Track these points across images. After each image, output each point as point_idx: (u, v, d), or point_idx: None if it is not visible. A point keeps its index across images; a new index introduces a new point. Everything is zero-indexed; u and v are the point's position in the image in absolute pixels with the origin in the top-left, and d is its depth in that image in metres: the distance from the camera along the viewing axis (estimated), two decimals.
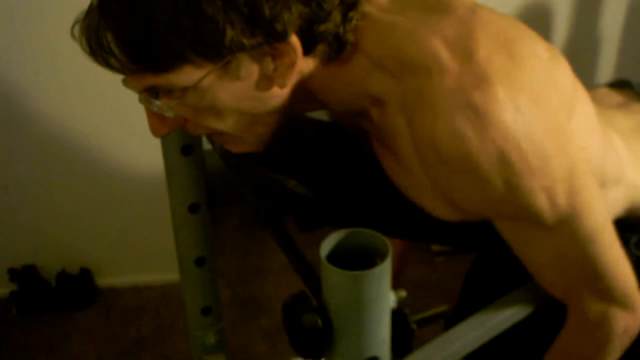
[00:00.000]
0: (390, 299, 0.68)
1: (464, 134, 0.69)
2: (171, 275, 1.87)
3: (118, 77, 0.78)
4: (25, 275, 1.93)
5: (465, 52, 0.72)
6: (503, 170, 0.70)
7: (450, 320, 1.21)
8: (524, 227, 0.76)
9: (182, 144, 1.04)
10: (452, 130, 0.70)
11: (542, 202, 0.73)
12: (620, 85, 1.08)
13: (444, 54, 0.72)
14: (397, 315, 0.71)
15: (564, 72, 0.79)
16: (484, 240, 0.88)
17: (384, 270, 0.65)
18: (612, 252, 0.78)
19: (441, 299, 1.87)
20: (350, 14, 0.75)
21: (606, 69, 2.03)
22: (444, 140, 0.70)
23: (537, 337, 0.91)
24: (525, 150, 0.70)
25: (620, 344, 0.83)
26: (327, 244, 0.68)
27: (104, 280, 2.00)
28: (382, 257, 0.66)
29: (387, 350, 0.71)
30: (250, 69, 0.74)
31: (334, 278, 0.66)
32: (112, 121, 1.76)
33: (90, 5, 0.74)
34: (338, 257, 0.67)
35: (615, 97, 1.05)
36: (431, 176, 0.75)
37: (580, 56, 1.97)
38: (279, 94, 0.78)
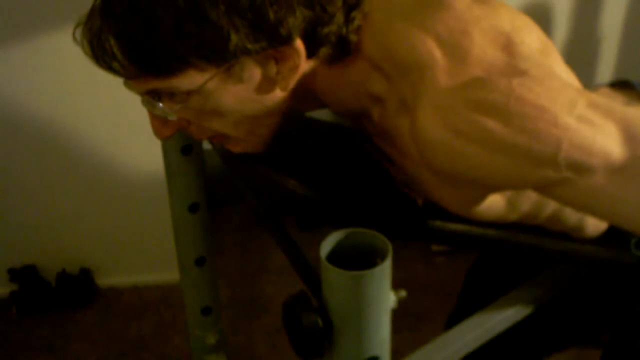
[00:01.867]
0: (390, 299, 0.68)
1: (462, 132, 0.69)
2: (171, 275, 1.87)
3: (118, 78, 0.78)
4: (25, 275, 1.93)
5: (459, 49, 0.71)
6: (520, 131, 0.67)
7: (450, 320, 1.21)
8: (596, 177, 0.70)
9: (182, 144, 1.04)
10: (449, 129, 0.69)
11: (584, 131, 0.68)
12: (621, 85, 1.08)
13: (437, 52, 0.72)
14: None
15: (558, 60, 0.79)
16: (484, 240, 0.88)
17: (384, 270, 0.65)
18: None
19: (441, 299, 1.87)
20: (353, 14, 0.75)
21: (606, 69, 2.02)
22: (442, 139, 0.70)
23: (538, 337, 0.91)
24: (531, 97, 0.67)
25: None
26: (327, 244, 0.68)
27: (104, 280, 1.99)
28: (382, 257, 0.66)
29: (387, 350, 0.71)
30: (253, 72, 0.74)
31: (334, 278, 0.66)
32: (112, 121, 1.75)
33: (92, 8, 0.73)
34: (338, 257, 0.67)
35: (616, 97, 1.04)
36: (436, 170, 0.74)
37: (580, 56, 1.97)
38: (281, 96, 0.78)
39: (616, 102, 0.82)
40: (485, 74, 0.69)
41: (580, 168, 0.68)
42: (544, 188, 0.72)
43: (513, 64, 0.70)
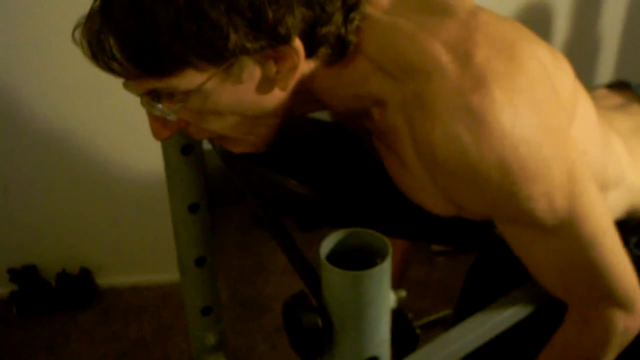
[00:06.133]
0: (390, 299, 0.68)
1: (462, 139, 0.69)
2: (171, 275, 1.87)
3: (118, 78, 0.78)
4: (25, 275, 1.93)
5: (465, 56, 0.71)
6: (501, 175, 0.70)
7: (450, 320, 1.21)
8: (525, 229, 0.76)
9: (182, 144, 1.04)
10: (450, 134, 0.70)
11: (541, 207, 0.73)
12: (619, 86, 1.08)
13: (444, 57, 0.72)
14: (400, 318, 0.72)
15: (564, 75, 0.79)
16: (484, 240, 0.88)
17: (384, 270, 0.65)
18: (614, 255, 0.78)
19: (441, 299, 1.87)
20: (352, 15, 0.75)
21: (606, 69, 2.03)
22: (442, 143, 0.70)
23: (537, 337, 0.91)
24: (524, 156, 0.70)
25: (619, 343, 0.83)
26: (327, 244, 0.68)
27: (104, 280, 2.00)
28: (382, 257, 0.66)
29: (387, 350, 0.71)
30: (252, 72, 0.74)
31: (334, 278, 0.66)
32: (112, 121, 1.76)
33: (92, 9, 0.73)
34: (338, 257, 0.67)
35: (615, 98, 1.05)
36: (431, 175, 0.75)
37: (580, 56, 1.97)
38: (281, 96, 0.78)
39: (614, 131, 0.89)
40: (491, 85, 0.70)
41: (513, 220, 0.76)
42: (486, 218, 0.79)
43: (517, 80, 0.71)
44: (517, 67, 0.72)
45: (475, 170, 0.70)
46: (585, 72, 2.01)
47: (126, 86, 0.78)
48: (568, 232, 0.75)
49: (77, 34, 0.74)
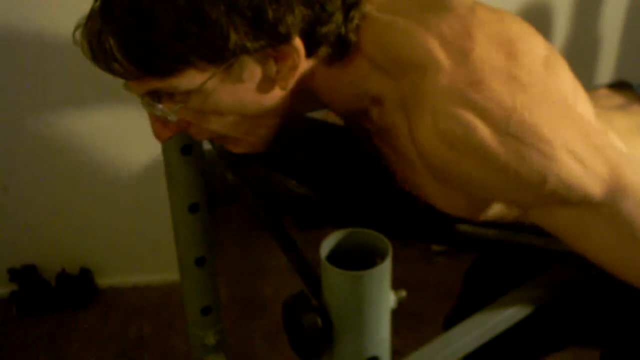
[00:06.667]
0: (390, 299, 0.68)
1: (463, 131, 0.69)
2: (171, 275, 1.87)
3: (118, 78, 0.78)
4: (25, 275, 1.93)
5: (462, 51, 0.71)
6: (513, 154, 0.68)
7: (450, 320, 1.21)
8: (564, 209, 0.72)
9: (182, 144, 1.04)
10: (449, 128, 0.69)
11: (574, 170, 0.68)
12: (619, 86, 1.08)
13: (440, 53, 0.72)
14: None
15: (563, 72, 0.79)
16: (484, 240, 0.88)
17: (384, 270, 0.65)
18: None
19: (441, 299, 1.87)
20: (352, 14, 0.75)
21: (606, 69, 2.02)
22: (448, 129, 0.69)
23: (537, 337, 0.91)
24: (531, 122, 0.67)
25: None
26: (327, 244, 0.68)
27: (104, 280, 1.99)
28: (382, 257, 0.66)
29: (387, 350, 0.71)
30: (253, 71, 0.74)
31: (334, 278, 0.66)
32: (112, 121, 1.75)
33: (92, 10, 0.73)
34: (338, 257, 0.67)
35: (615, 98, 1.04)
36: (433, 172, 0.75)
37: (580, 56, 1.97)
38: (281, 96, 0.78)
39: (615, 131, 0.83)
40: (488, 79, 0.69)
41: (559, 200, 0.70)
42: (522, 207, 0.74)
43: (516, 74, 0.70)
44: (516, 63, 0.71)
45: (489, 158, 0.68)
46: (585, 72, 2.01)
47: (127, 87, 0.78)
48: (616, 198, 0.70)
49: (78, 35, 0.74)
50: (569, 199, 0.70)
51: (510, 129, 0.67)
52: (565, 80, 0.78)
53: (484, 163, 0.69)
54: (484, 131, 0.68)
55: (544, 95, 0.70)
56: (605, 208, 0.70)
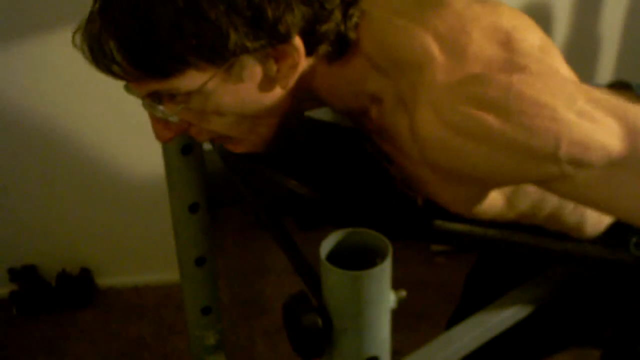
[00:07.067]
0: (390, 299, 0.68)
1: (465, 123, 0.68)
2: (171, 275, 1.87)
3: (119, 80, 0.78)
4: (25, 275, 1.93)
5: (458, 46, 0.71)
6: (520, 128, 0.67)
7: (451, 320, 1.21)
8: (595, 172, 0.69)
9: (182, 144, 1.04)
10: (449, 124, 0.69)
11: (584, 127, 0.67)
12: (619, 86, 1.08)
13: (435, 49, 0.72)
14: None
15: (558, 58, 0.79)
16: (484, 240, 0.88)
17: (384, 270, 0.65)
18: None
19: (441, 299, 1.87)
20: (351, 11, 0.75)
21: (606, 69, 2.02)
22: (441, 132, 0.69)
23: (537, 337, 0.91)
24: (530, 94, 0.67)
25: None
26: (327, 244, 0.68)
27: (104, 280, 1.99)
28: (382, 257, 0.66)
29: (387, 350, 0.71)
30: (253, 71, 0.74)
31: (334, 278, 0.66)
32: (112, 121, 1.75)
33: (91, 12, 0.73)
34: (338, 257, 0.67)
35: None
36: (435, 168, 0.74)
37: (580, 56, 1.97)
38: (281, 95, 0.78)
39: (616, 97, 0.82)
40: (484, 70, 0.69)
41: (579, 163, 0.68)
42: (543, 182, 0.72)
43: (512, 59, 0.70)
44: (511, 51, 0.71)
45: (493, 138, 0.68)
46: (585, 72, 2.01)
47: (127, 89, 0.78)
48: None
49: (77, 38, 0.74)
50: (590, 162, 0.68)
51: (511, 105, 0.67)
52: (562, 65, 0.77)
53: (493, 145, 0.68)
54: (485, 117, 0.68)
55: (539, 71, 0.70)
56: (631, 160, 0.68)
